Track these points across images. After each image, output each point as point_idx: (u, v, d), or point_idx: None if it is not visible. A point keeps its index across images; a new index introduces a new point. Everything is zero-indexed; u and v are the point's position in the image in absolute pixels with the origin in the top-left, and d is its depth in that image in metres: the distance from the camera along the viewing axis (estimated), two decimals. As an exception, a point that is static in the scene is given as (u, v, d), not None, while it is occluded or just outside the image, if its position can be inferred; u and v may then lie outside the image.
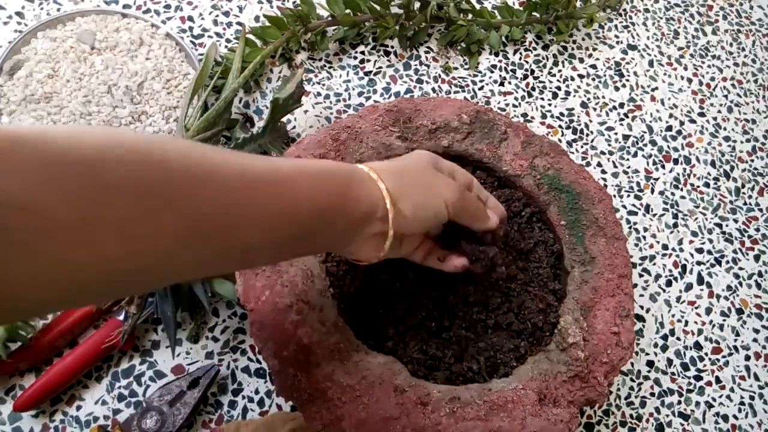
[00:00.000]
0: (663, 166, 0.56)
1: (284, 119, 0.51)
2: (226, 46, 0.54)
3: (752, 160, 0.58)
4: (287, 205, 0.25)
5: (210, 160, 0.22)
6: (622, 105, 0.58)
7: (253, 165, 0.24)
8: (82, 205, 0.18)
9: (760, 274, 0.52)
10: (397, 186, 0.30)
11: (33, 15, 0.53)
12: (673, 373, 0.47)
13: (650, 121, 0.58)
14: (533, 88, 0.57)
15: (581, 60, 0.60)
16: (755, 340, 0.50)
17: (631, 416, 0.45)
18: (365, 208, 0.28)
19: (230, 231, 0.23)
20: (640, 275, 0.51)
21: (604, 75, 0.59)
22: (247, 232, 0.23)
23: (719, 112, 0.60)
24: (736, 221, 0.54)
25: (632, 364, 0.47)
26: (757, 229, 0.54)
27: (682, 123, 0.58)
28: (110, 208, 0.18)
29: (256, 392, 0.42)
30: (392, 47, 0.57)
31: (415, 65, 0.57)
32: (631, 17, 0.63)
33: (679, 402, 0.46)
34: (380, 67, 0.56)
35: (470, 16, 0.58)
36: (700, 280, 0.51)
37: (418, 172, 0.32)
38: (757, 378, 0.48)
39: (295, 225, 0.26)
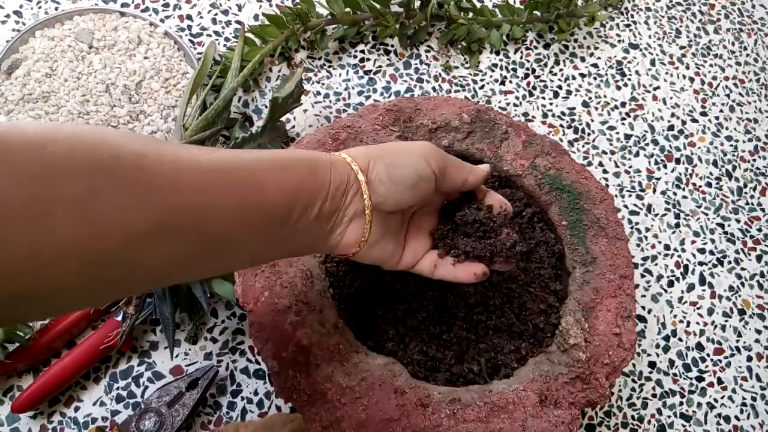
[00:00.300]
0: (665, 166, 0.56)
1: (283, 118, 0.51)
2: (225, 45, 0.54)
3: (754, 160, 0.57)
4: (253, 191, 0.24)
5: (166, 148, 0.22)
6: (623, 104, 0.58)
7: (212, 154, 0.24)
8: (33, 185, 0.17)
9: (762, 275, 0.52)
10: (365, 156, 0.29)
11: (31, 14, 0.53)
12: (674, 374, 0.47)
13: (652, 121, 0.58)
14: (534, 87, 0.57)
15: (582, 59, 0.59)
16: (757, 340, 0.49)
17: (633, 417, 0.45)
18: (338, 182, 0.27)
19: (197, 219, 0.22)
20: (642, 276, 0.51)
21: (606, 74, 0.59)
22: (217, 222, 0.23)
23: (721, 111, 0.59)
24: (738, 221, 0.54)
25: (634, 365, 0.47)
26: (759, 229, 0.54)
27: (683, 122, 0.58)
28: (60, 187, 0.18)
29: (255, 393, 0.42)
30: (392, 46, 0.57)
31: (416, 64, 0.56)
32: (632, 16, 0.63)
33: (681, 403, 0.46)
34: (380, 66, 0.56)
35: (471, 14, 0.57)
36: (702, 281, 0.51)
37: (394, 143, 0.31)
38: (759, 379, 0.48)
39: (265, 211, 0.25)
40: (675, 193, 0.55)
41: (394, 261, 0.32)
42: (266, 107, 0.52)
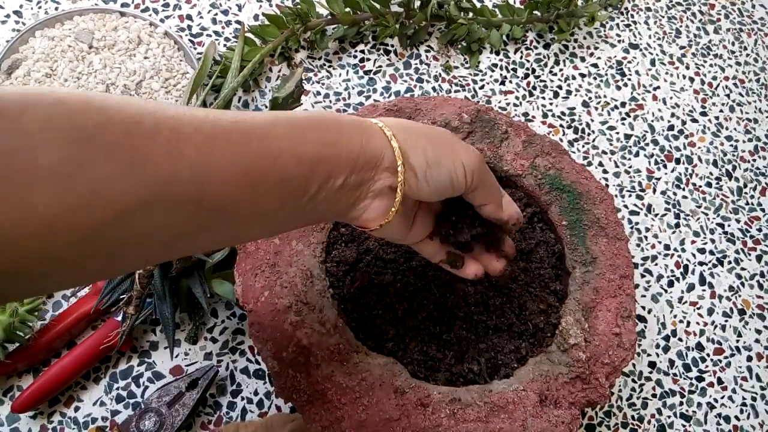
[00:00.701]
0: (665, 166, 0.56)
1: (284, 118, 0.51)
2: (225, 45, 0.54)
3: (754, 160, 0.57)
4: (262, 160, 0.22)
5: (166, 112, 0.20)
6: (623, 104, 0.58)
7: (220, 117, 0.22)
8: (8, 158, 0.16)
9: (762, 275, 0.52)
10: (407, 137, 0.27)
11: (31, 14, 0.53)
12: (674, 374, 0.47)
13: (652, 121, 0.58)
14: (534, 87, 0.57)
15: (582, 59, 0.59)
16: (757, 340, 0.49)
17: (633, 417, 0.45)
18: (369, 157, 0.25)
19: (197, 191, 0.20)
20: (642, 276, 0.51)
21: (606, 74, 0.59)
22: (219, 194, 0.21)
23: (721, 111, 0.59)
24: (738, 221, 0.54)
25: (634, 365, 0.47)
26: (759, 229, 0.54)
27: (683, 122, 0.58)
28: (37, 158, 0.17)
29: (255, 393, 0.42)
30: (392, 46, 0.57)
31: (416, 64, 0.56)
32: (632, 16, 0.63)
33: (681, 403, 0.46)
34: (380, 66, 0.56)
35: (471, 14, 0.57)
36: (702, 281, 0.51)
37: (436, 131, 0.28)
38: (759, 379, 0.48)
39: (278, 183, 0.23)
40: (675, 193, 0.54)
41: (403, 237, 0.31)
42: (266, 107, 0.52)
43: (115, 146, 0.18)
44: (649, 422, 0.45)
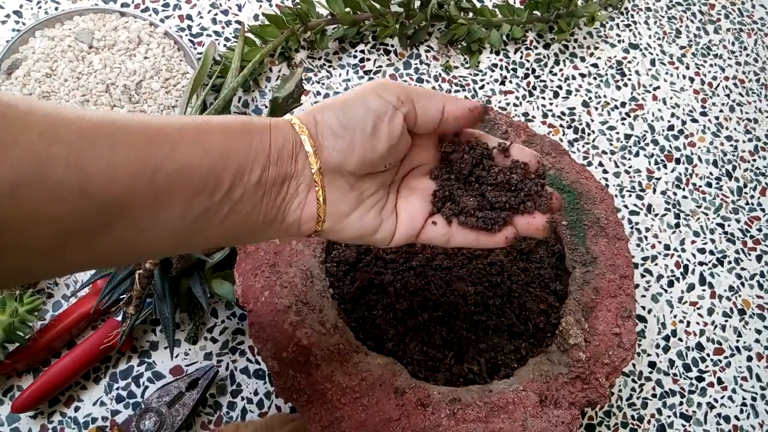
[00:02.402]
0: (665, 166, 0.56)
1: (284, 118, 0.51)
2: (225, 45, 0.54)
3: (754, 160, 0.57)
4: (158, 146, 0.20)
5: (46, 104, 0.19)
6: (623, 104, 0.58)
7: (109, 113, 0.20)
8: None
9: (762, 275, 0.52)
10: (310, 111, 0.24)
11: (31, 14, 0.53)
12: (674, 374, 0.47)
13: (652, 121, 0.58)
14: (534, 87, 0.57)
15: (582, 59, 0.59)
16: (757, 340, 0.49)
17: (633, 417, 0.45)
18: (281, 144, 0.23)
19: (77, 176, 0.18)
20: (642, 276, 0.51)
21: (606, 74, 0.59)
22: (104, 179, 0.19)
23: (721, 111, 0.59)
24: (738, 221, 0.54)
25: (634, 365, 0.47)
26: (759, 229, 0.54)
27: (683, 122, 0.58)
28: None
29: (255, 393, 0.42)
30: (392, 46, 0.57)
31: (416, 64, 0.56)
32: (632, 16, 0.63)
33: (681, 403, 0.46)
34: (380, 66, 0.56)
35: (471, 14, 0.57)
36: (702, 281, 0.51)
37: (345, 92, 0.25)
38: (759, 379, 0.48)
39: (180, 173, 0.20)
40: (675, 193, 0.54)
41: (383, 235, 0.26)
42: (266, 107, 0.52)
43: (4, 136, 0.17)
44: (649, 422, 0.45)
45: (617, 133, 0.56)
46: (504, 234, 0.27)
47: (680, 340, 0.48)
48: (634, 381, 0.46)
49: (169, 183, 0.20)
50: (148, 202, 0.20)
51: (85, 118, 0.19)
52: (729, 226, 0.54)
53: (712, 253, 0.52)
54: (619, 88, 0.59)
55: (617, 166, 0.55)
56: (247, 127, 0.23)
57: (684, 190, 0.55)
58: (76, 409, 0.40)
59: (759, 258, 0.53)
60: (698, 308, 0.50)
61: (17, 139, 0.17)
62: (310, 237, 0.26)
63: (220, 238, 0.24)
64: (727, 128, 0.58)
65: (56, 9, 0.53)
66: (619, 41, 0.61)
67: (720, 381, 0.47)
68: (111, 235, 0.20)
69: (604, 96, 0.58)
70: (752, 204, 0.55)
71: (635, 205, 0.53)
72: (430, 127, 0.26)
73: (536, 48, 0.59)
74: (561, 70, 0.58)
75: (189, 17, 0.55)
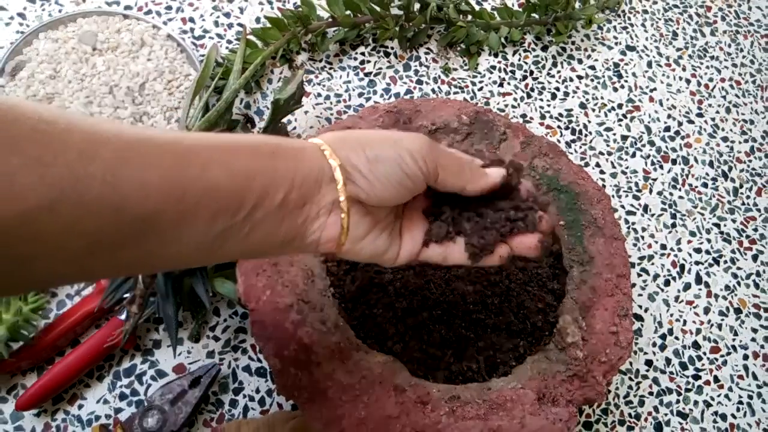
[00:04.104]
0: (661, 167, 0.56)
1: (285, 120, 0.51)
2: (227, 47, 0.55)
3: (750, 161, 0.58)
4: (189, 166, 0.21)
5: (86, 120, 0.19)
6: (620, 106, 0.58)
7: (146, 130, 0.21)
8: None
9: (758, 274, 0.53)
10: (342, 144, 0.25)
11: (35, 16, 0.53)
12: (671, 373, 0.48)
13: (649, 122, 0.58)
14: (532, 89, 0.58)
15: (580, 61, 0.60)
16: (753, 339, 0.50)
17: (630, 415, 0.46)
18: (307, 171, 0.24)
19: (112, 192, 0.19)
20: (639, 275, 0.51)
21: (603, 76, 0.60)
22: (137, 197, 0.19)
23: (717, 112, 0.60)
24: (734, 221, 0.55)
25: (631, 363, 0.47)
26: (755, 229, 0.55)
27: (680, 123, 0.59)
28: None
29: (257, 391, 0.42)
30: (392, 48, 0.57)
31: (415, 66, 0.57)
32: (629, 18, 0.63)
33: (678, 401, 0.47)
34: (380, 68, 0.56)
35: (470, 17, 0.58)
36: (699, 280, 0.52)
37: (374, 131, 0.26)
38: (755, 377, 0.48)
39: (207, 192, 0.21)
40: (671, 194, 0.55)
41: (390, 255, 0.28)
42: (268, 109, 0.52)
43: (22, 141, 0.17)
44: (645, 420, 0.46)
45: (614, 134, 0.57)
46: (498, 253, 0.29)
47: (677, 338, 0.49)
48: (631, 379, 0.47)
49: (196, 202, 0.21)
50: (175, 218, 0.21)
51: (122, 137, 0.20)
52: (725, 226, 0.54)
53: (708, 252, 0.53)
54: (616, 89, 0.59)
55: (614, 167, 0.55)
56: (275, 149, 0.24)
57: (680, 190, 0.55)
58: (80, 407, 0.40)
59: (755, 257, 0.53)
60: (694, 307, 0.50)
61: (57, 157, 0.18)
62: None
63: (241, 252, 0.25)
64: (723, 129, 0.59)
65: (60, 11, 0.53)
66: (616, 43, 0.62)
67: (716, 379, 0.48)
68: (138, 248, 0.21)
69: (602, 97, 0.59)
70: (748, 204, 0.56)
71: (632, 205, 0.54)
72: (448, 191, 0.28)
73: (534, 50, 0.60)
74: (559, 72, 0.59)
75: (191, 20, 0.56)
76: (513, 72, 0.58)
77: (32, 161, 0.17)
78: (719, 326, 0.50)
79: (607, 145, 0.56)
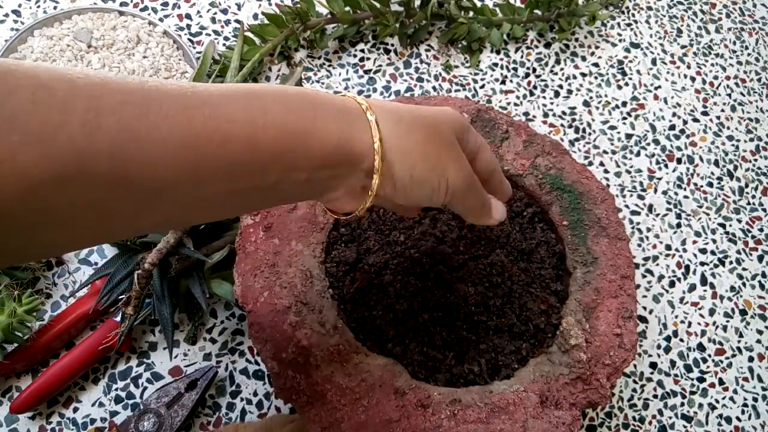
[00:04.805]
0: (666, 166, 0.55)
1: (283, 118, 0.51)
2: (224, 44, 0.54)
3: (756, 160, 0.57)
4: (208, 136, 0.19)
5: (86, 78, 0.18)
6: (624, 104, 0.58)
7: (160, 85, 0.19)
8: None
9: (763, 275, 0.52)
10: (398, 142, 0.24)
11: (30, 13, 0.53)
12: (676, 375, 0.47)
13: (653, 120, 0.57)
14: (535, 87, 0.57)
15: (583, 58, 0.59)
16: (759, 341, 0.49)
17: (634, 418, 0.45)
18: (346, 153, 0.22)
19: (121, 168, 0.18)
20: (643, 276, 0.50)
21: (607, 73, 0.59)
22: (151, 174, 0.18)
23: (723, 110, 0.59)
24: (739, 221, 0.54)
25: (635, 365, 0.47)
26: (761, 229, 0.54)
27: (685, 122, 0.58)
28: None
29: (255, 394, 0.42)
30: (392, 45, 0.57)
31: (416, 63, 0.56)
32: (633, 15, 0.63)
33: (682, 404, 0.46)
34: (380, 66, 0.56)
35: (471, 13, 0.57)
36: (704, 281, 0.51)
37: (432, 134, 0.25)
38: (760, 380, 0.48)
39: (226, 167, 0.20)
40: (676, 193, 0.54)
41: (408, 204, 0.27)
42: (266, 107, 0.51)
43: (20, 115, 0.16)
44: (650, 423, 0.45)
45: (618, 132, 0.56)
46: (501, 213, 0.31)
47: (681, 340, 0.48)
48: (635, 382, 0.46)
49: (213, 176, 0.20)
50: (192, 191, 0.20)
51: (131, 101, 0.18)
52: (730, 226, 0.54)
53: (713, 253, 0.52)
54: (620, 87, 0.58)
55: (618, 166, 0.55)
56: (311, 124, 0.22)
57: (685, 190, 0.55)
58: (75, 410, 0.40)
59: (760, 258, 0.53)
60: (699, 309, 0.50)
61: (58, 131, 0.17)
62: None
63: (259, 208, 0.25)
64: (728, 128, 0.58)
65: (55, 8, 0.53)
66: (620, 40, 0.61)
67: (721, 382, 0.47)
68: (154, 217, 0.20)
69: (605, 95, 0.58)
70: (753, 204, 0.55)
71: (636, 205, 0.53)
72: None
73: (537, 47, 0.59)
74: (562, 69, 0.58)
75: (188, 16, 0.55)
76: (515, 69, 0.57)
77: (32, 138, 0.16)
78: (724, 328, 0.49)
79: (612, 144, 0.55)
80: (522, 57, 0.58)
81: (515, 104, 0.56)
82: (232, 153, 0.20)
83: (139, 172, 0.18)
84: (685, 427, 0.45)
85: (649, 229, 0.52)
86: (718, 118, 0.59)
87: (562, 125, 0.56)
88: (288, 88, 0.22)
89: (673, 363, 0.47)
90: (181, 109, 0.19)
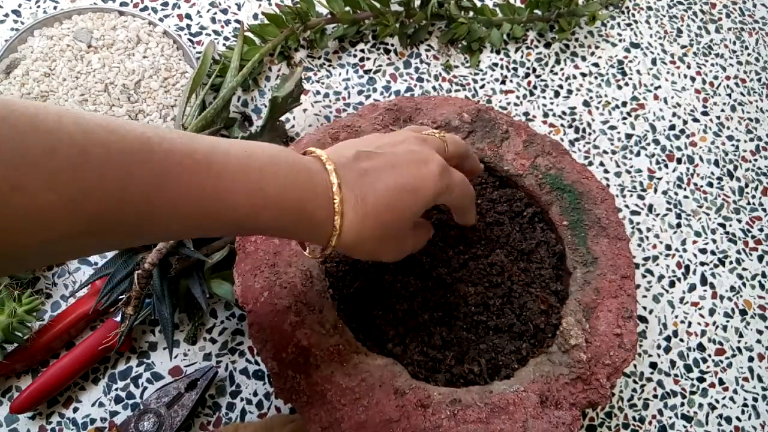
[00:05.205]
0: (666, 166, 0.55)
1: (283, 118, 0.51)
2: (224, 44, 0.54)
3: (756, 160, 0.57)
4: (214, 209, 0.22)
5: (117, 141, 0.19)
6: (624, 104, 0.58)
7: (172, 138, 0.21)
8: None
9: (763, 275, 0.52)
10: (363, 217, 0.26)
11: (30, 13, 0.53)
12: (676, 375, 0.47)
13: (653, 120, 0.57)
14: (535, 87, 0.57)
15: (583, 58, 0.59)
16: (759, 341, 0.49)
17: (634, 418, 0.45)
18: (315, 225, 0.26)
19: (138, 227, 0.21)
20: (643, 276, 0.50)
21: (607, 73, 0.59)
22: (159, 227, 0.21)
23: (723, 110, 0.59)
24: (739, 221, 0.54)
25: (635, 365, 0.47)
26: (761, 229, 0.54)
27: (685, 122, 0.58)
28: None
29: (255, 394, 0.42)
30: (392, 45, 0.57)
31: (416, 63, 0.56)
32: (633, 15, 0.63)
33: (682, 404, 0.46)
34: (380, 66, 0.56)
35: (471, 13, 0.57)
36: (704, 281, 0.51)
37: (395, 225, 0.28)
38: (760, 380, 0.48)
39: (222, 222, 0.23)
40: (676, 193, 0.54)
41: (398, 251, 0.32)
42: (266, 107, 0.52)
43: (59, 176, 0.18)
44: (650, 423, 0.45)
45: (618, 132, 0.56)
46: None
47: (681, 340, 0.48)
48: (635, 382, 0.46)
49: (210, 231, 0.24)
50: (187, 235, 0.24)
51: (155, 171, 0.21)
52: (730, 226, 0.54)
53: (713, 253, 0.52)
54: (620, 87, 0.58)
55: (618, 166, 0.55)
56: (298, 202, 0.25)
57: (685, 189, 0.55)
58: (75, 410, 0.40)
59: (760, 258, 0.53)
60: (699, 309, 0.50)
61: (90, 193, 0.19)
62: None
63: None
64: (728, 128, 0.58)
65: (55, 8, 0.53)
66: (620, 40, 0.61)
67: (721, 382, 0.47)
68: (138, 238, 0.23)
69: (605, 95, 0.58)
70: (753, 204, 0.55)
71: (636, 205, 0.53)
72: None
73: (537, 47, 0.59)
74: (562, 69, 0.58)
75: (188, 16, 0.55)
76: (515, 69, 0.57)
77: (67, 198, 0.18)
78: (724, 328, 0.49)
79: (612, 144, 0.55)
80: (522, 57, 0.58)
81: (515, 104, 0.56)
82: (228, 224, 0.24)
83: (151, 230, 0.21)
84: (685, 427, 0.45)
85: (649, 229, 0.52)
86: (718, 118, 0.59)
87: (562, 125, 0.56)
88: (280, 162, 0.25)
89: (673, 363, 0.47)
90: (193, 189, 0.22)
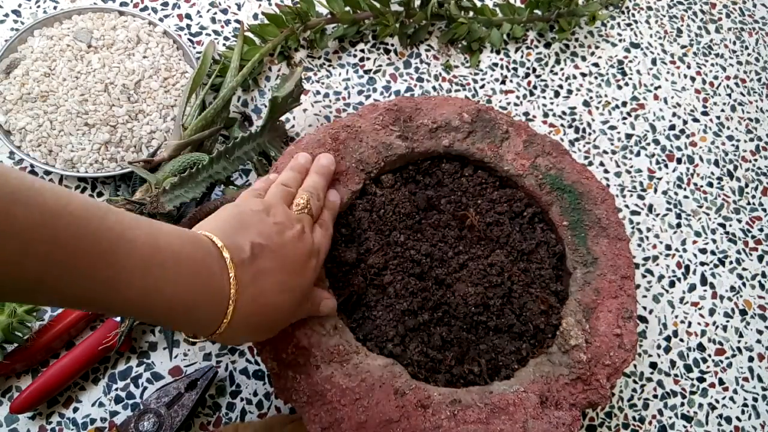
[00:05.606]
0: (666, 166, 0.55)
1: (283, 118, 0.51)
2: (224, 44, 0.54)
3: (756, 160, 0.57)
4: (137, 301, 0.25)
5: (26, 194, 0.21)
6: (624, 104, 0.58)
7: (131, 237, 0.24)
8: None
9: (763, 275, 0.52)
10: (247, 319, 0.29)
11: (30, 13, 0.53)
12: (676, 375, 0.47)
13: (653, 120, 0.57)
14: (535, 87, 0.57)
15: (583, 58, 0.59)
16: (758, 341, 0.49)
17: (634, 418, 0.45)
18: (202, 325, 0.28)
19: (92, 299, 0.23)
20: (643, 276, 0.50)
21: (607, 73, 0.59)
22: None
23: (722, 110, 0.59)
24: (739, 221, 0.54)
25: (635, 366, 0.47)
26: (761, 229, 0.54)
27: (685, 122, 0.58)
28: None
29: (255, 394, 0.42)
30: (392, 45, 0.57)
31: (416, 63, 0.56)
32: (633, 15, 0.63)
33: (682, 404, 0.46)
34: (380, 66, 0.56)
35: (471, 13, 0.57)
36: (704, 281, 0.51)
37: (270, 325, 0.31)
38: (760, 380, 0.48)
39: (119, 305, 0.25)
40: (676, 193, 0.54)
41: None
42: (266, 107, 0.52)
43: (78, 274, 0.22)
44: (650, 423, 0.45)
45: (618, 132, 0.56)
46: None
47: (681, 340, 0.48)
48: (635, 382, 0.46)
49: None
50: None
51: (109, 263, 0.24)
52: (730, 226, 0.54)
53: (713, 253, 0.52)
54: (620, 87, 0.58)
55: (618, 166, 0.55)
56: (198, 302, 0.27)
57: (685, 190, 0.55)
58: (75, 410, 0.40)
59: (760, 258, 0.53)
60: (699, 309, 0.50)
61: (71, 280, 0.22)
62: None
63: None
64: (728, 128, 0.58)
65: (55, 8, 0.53)
66: (620, 40, 0.61)
67: (721, 382, 0.47)
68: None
69: (605, 95, 0.58)
70: (753, 204, 0.55)
71: (636, 205, 0.53)
72: None
73: (537, 47, 0.59)
74: (562, 69, 0.58)
75: (188, 16, 0.55)
76: (515, 69, 0.57)
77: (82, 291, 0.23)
78: (724, 328, 0.49)
79: (612, 144, 0.55)
80: (522, 57, 0.58)
81: (515, 104, 0.56)
82: (119, 312, 0.27)
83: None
84: (685, 427, 0.45)
85: (649, 229, 0.52)
86: (718, 118, 0.59)
87: (562, 125, 0.56)
88: (183, 263, 0.26)
89: (673, 363, 0.47)
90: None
